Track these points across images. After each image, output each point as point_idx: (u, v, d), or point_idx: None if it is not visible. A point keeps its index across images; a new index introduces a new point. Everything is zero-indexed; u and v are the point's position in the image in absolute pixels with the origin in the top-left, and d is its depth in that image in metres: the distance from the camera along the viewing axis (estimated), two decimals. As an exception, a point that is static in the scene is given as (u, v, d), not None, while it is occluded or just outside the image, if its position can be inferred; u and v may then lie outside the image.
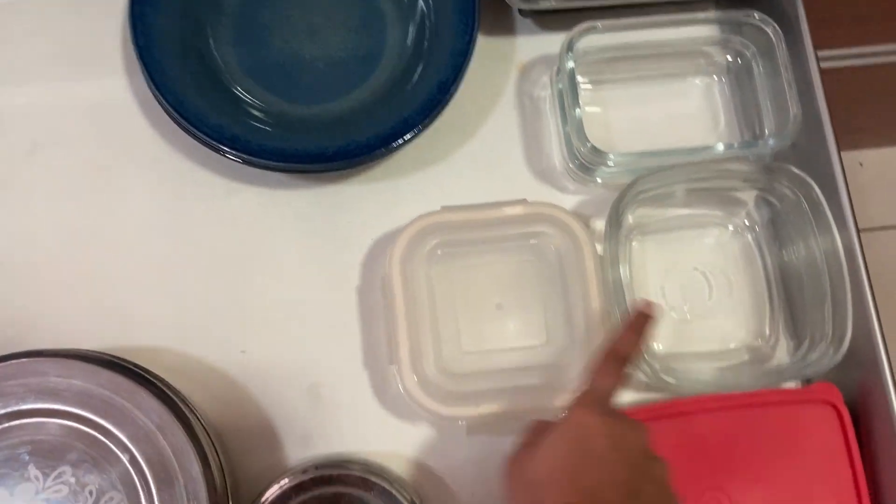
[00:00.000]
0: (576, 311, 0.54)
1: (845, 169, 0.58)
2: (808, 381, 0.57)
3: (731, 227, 0.61)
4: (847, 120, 0.62)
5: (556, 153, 0.62)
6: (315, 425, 0.56)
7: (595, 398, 0.44)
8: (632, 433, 0.43)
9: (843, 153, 0.59)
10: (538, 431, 0.45)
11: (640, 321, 0.47)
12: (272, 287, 0.59)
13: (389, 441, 0.56)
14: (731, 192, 0.61)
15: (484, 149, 0.62)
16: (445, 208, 0.54)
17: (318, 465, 0.52)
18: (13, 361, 0.49)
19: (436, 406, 0.51)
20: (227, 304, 0.58)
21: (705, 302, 0.60)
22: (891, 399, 0.52)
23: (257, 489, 0.54)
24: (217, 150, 0.56)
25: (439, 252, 0.54)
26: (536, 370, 0.53)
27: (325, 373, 0.57)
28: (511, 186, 0.61)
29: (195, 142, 0.57)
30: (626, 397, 0.57)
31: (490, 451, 0.56)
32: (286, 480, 0.51)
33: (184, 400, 0.51)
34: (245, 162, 0.57)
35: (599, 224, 0.59)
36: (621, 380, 0.45)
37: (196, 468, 0.48)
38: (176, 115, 0.55)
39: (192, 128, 0.55)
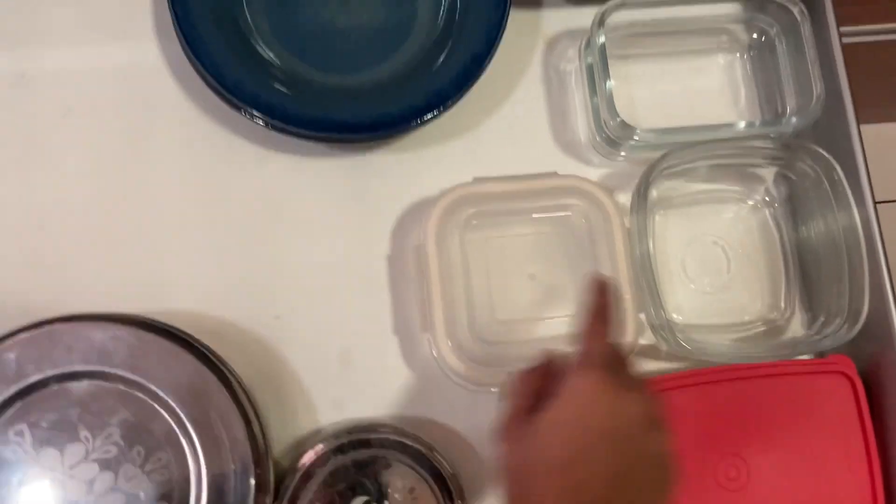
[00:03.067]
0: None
1: (864, 143, 0.60)
2: (821, 354, 0.59)
3: (750, 203, 0.63)
4: (865, 95, 0.63)
5: (581, 127, 0.63)
6: (347, 390, 0.58)
7: (593, 362, 0.41)
8: (633, 405, 0.40)
9: (861, 127, 0.60)
10: (531, 388, 0.42)
11: (601, 292, 0.45)
12: (304, 254, 0.60)
13: (420, 407, 0.58)
14: (752, 168, 0.63)
15: (510, 121, 0.63)
16: (478, 179, 0.56)
17: (352, 430, 0.53)
18: (58, 325, 0.50)
19: (470, 372, 0.53)
20: (259, 269, 0.59)
21: (723, 275, 0.61)
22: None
23: (292, 452, 0.56)
24: (251, 117, 0.56)
25: (473, 222, 0.56)
26: (569, 338, 0.54)
27: (356, 339, 0.59)
28: (537, 159, 0.62)
29: (228, 108, 0.58)
30: (648, 366, 0.59)
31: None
32: (321, 446, 0.53)
33: (224, 363, 0.52)
34: (279, 130, 0.57)
35: (622, 197, 0.60)
36: (610, 342, 0.43)
37: (240, 430, 0.50)
38: (213, 81, 0.56)
39: (227, 94, 0.56)
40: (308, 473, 0.52)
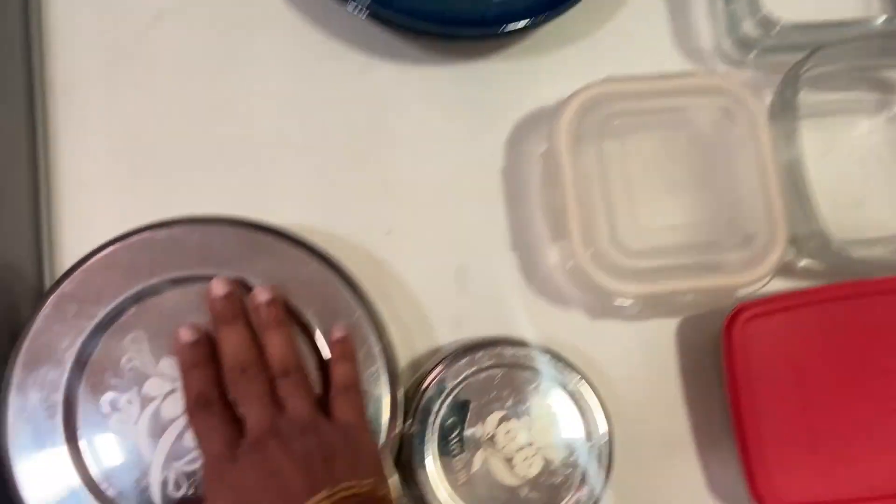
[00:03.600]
0: (751, 188, 0.51)
1: None
2: None
3: (888, 113, 0.58)
4: None
5: (705, 31, 0.59)
6: (465, 308, 0.54)
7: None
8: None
9: None
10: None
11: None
12: (413, 167, 0.56)
13: (541, 327, 0.54)
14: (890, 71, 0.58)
15: (627, 27, 0.59)
16: (610, 79, 0.51)
17: (471, 347, 0.49)
18: (171, 229, 0.46)
19: (609, 281, 0.49)
20: (368, 183, 0.55)
21: (861, 188, 0.57)
22: None
23: (409, 373, 0.52)
24: (367, 9, 0.52)
25: (608, 124, 0.51)
26: (715, 246, 0.50)
27: (473, 255, 0.55)
28: (658, 67, 0.58)
29: (330, 6, 0.54)
30: (797, 284, 0.55)
31: (646, 336, 0.55)
32: (440, 367, 0.49)
33: (350, 276, 0.48)
34: (385, 22, 0.53)
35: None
36: None
37: (374, 343, 0.46)
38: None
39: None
40: (433, 393, 0.48)
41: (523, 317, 0.55)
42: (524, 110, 0.57)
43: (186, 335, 0.42)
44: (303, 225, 0.54)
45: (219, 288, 0.43)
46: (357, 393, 0.44)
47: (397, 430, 0.46)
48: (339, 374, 0.44)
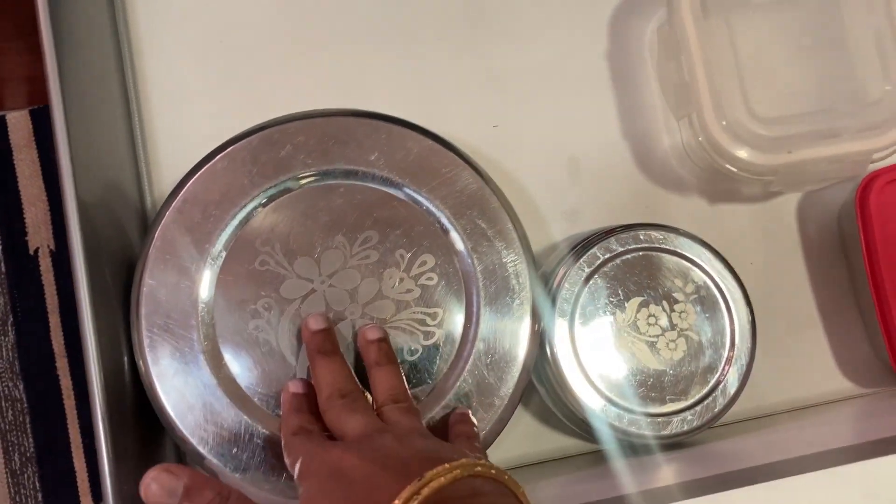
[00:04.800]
0: (883, 48, 0.48)
1: None
2: None
3: None
4: None
5: None
6: (580, 200, 0.52)
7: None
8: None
9: None
10: None
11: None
12: (516, 57, 0.53)
13: (659, 213, 0.52)
14: None
15: None
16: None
17: (589, 240, 0.47)
18: (287, 125, 0.43)
19: (746, 153, 0.46)
20: (470, 74, 0.52)
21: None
22: None
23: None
24: None
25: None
26: (854, 110, 0.48)
27: (583, 144, 0.53)
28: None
29: None
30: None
31: (765, 216, 0.53)
32: (563, 269, 0.46)
33: (480, 168, 0.45)
34: None
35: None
36: None
37: (510, 227, 0.44)
38: None
39: None
40: (566, 286, 0.46)
41: (641, 205, 0.53)
42: (618, -9, 0.54)
43: (296, 387, 0.40)
44: (407, 122, 0.51)
45: (315, 324, 0.41)
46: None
47: (540, 324, 0.44)
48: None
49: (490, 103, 0.52)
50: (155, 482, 0.34)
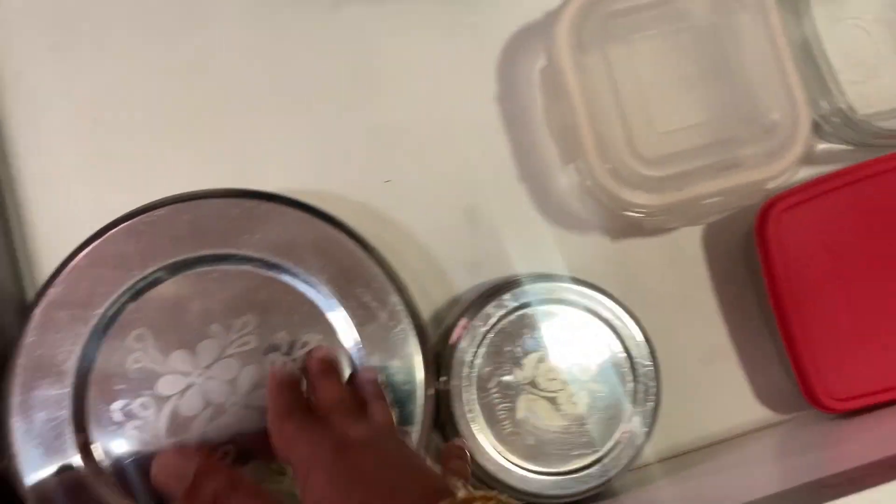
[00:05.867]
0: (767, 73, 0.47)
1: None
2: None
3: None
4: None
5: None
6: (480, 250, 0.51)
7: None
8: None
9: None
10: None
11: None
12: (404, 108, 0.51)
13: (561, 257, 0.51)
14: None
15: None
16: (605, -24, 0.47)
17: (492, 291, 0.46)
18: (156, 212, 0.42)
19: (634, 195, 0.45)
20: (357, 132, 0.51)
21: (870, 60, 0.54)
22: None
23: (432, 326, 0.49)
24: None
25: (607, 27, 0.47)
26: (733, 143, 0.47)
27: (480, 192, 0.51)
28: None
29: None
30: (824, 168, 0.52)
31: (671, 249, 0.52)
32: (465, 320, 0.45)
33: (358, 234, 0.44)
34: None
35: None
36: None
37: (397, 301, 0.42)
38: None
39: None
40: (464, 344, 0.45)
41: (542, 249, 0.51)
42: (511, 28, 0.53)
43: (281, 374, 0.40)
44: (292, 188, 0.49)
45: (319, 353, 0.41)
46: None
47: (433, 389, 0.43)
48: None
49: (380, 158, 0.51)
50: (164, 464, 0.35)
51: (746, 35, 0.48)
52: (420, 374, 0.42)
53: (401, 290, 0.43)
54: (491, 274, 0.50)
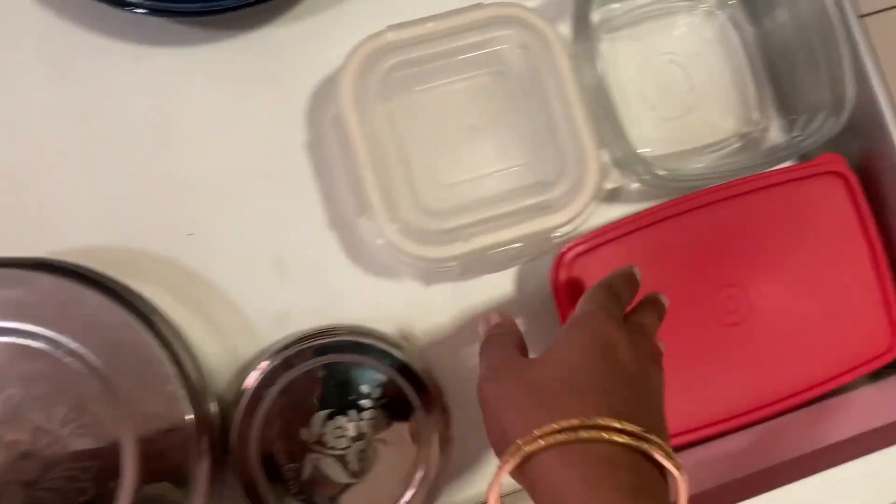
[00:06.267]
0: (556, 120, 0.48)
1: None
2: (807, 158, 0.52)
3: (702, 8, 0.55)
4: None
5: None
6: (289, 301, 0.51)
7: (615, 313, 0.38)
8: (647, 343, 0.38)
9: None
10: (506, 359, 0.38)
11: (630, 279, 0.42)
12: (208, 159, 0.51)
13: (373, 304, 0.51)
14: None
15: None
16: (391, 27, 0.47)
17: (299, 339, 0.46)
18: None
19: (424, 250, 0.45)
20: (160, 186, 0.51)
21: (687, 95, 0.54)
22: (898, 158, 0.49)
23: (238, 381, 0.48)
24: (123, 6, 0.47)
25: (394, 78, 0.47)
26: (524, 191, 0.47)
27: (288, 242, 0.51)
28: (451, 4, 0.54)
29: (84, 5, 0.48)
30: (617, 209, 0.52)
31: (487, 293, 0.52)
32: (266, 363, 0.45)
33: (136, 295, 0.44)
34: (155, 12, 0.48)
35: (561, 28, 0.52)
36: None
37: (168, 368, 0.42)
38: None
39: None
40: (256, 397, 0.44)
41: (354, 298, 0.51)
42: (319, 74, 0.52)
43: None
44: (92, 246, 0.50)
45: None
46: None
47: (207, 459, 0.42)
48: None
49: (184, 211, 0.51)
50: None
51: (539, 82, 0.48)
52: (200, 442, 0.42)
53: (178, 362, 0.42)
54: (301, 325, 0.50)
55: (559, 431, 0.31)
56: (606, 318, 0.37)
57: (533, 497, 0.33)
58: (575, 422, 0.31)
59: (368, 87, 0.46)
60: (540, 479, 0.32)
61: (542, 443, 0.32)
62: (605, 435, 0.31)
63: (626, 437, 0.32)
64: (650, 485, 0.32)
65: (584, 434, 0.31)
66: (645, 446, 0.32)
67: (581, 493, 0.30)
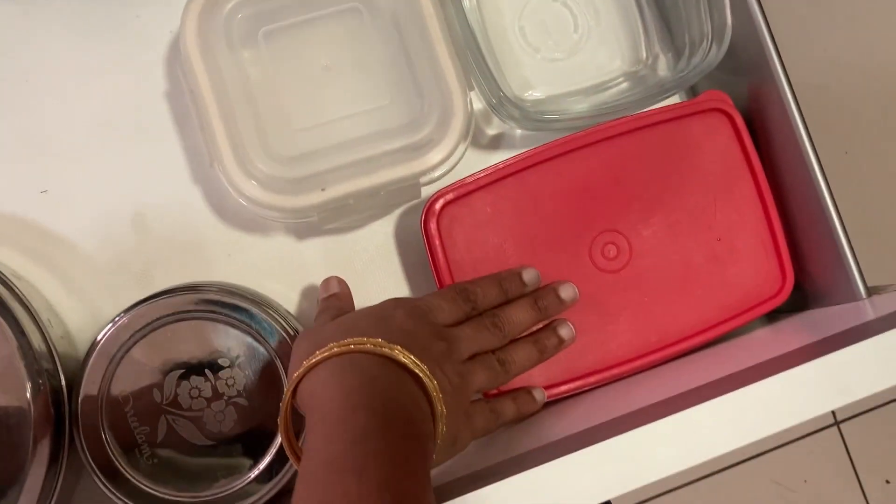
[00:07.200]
0: (420, 58, 0.45)
1: None
2: (695, 94, 0.50)
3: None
4: None
5: None
6: (152, 259, 0.48)
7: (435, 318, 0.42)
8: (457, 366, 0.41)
9: None
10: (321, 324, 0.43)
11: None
12: (61, 112, 0.48)
13: (242, 260, 0.49)
14: None
15: None
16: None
17: (154, 295, 0.44)
18: None
19: (278, 200, 0.43)
20: (8, 141, 0.48)
21: (571, 35, 0.52)
22: (784, 94, 0.47)
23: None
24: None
25: (241, 18, 0.44)
26: (387, 134, 0.45)
27: (150, 196, 0.49)
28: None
29: None
30: (502, 155, 0.50)
31: (364, 243, 0.50)
32: (116, 321, 0.43)
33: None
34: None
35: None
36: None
37: (9, 339, 0.39)
38: None
39: None
40: (104, 357, 0.42)
41: (222, 255, 0.49)
42: (174, 21, 0.49)
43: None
44: (-64, 205, 0.47)
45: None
46: None
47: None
48: None
49: (35, 167, 0.48)
50: None
51: (399, 21, 0.46)
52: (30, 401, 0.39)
53: (17, 331, 0.40)
54: (169, 282, 0.47)
55: (320, 356, 0.38)
56: (417, 312, 0.41)
57: (308, 409, 0.37)
58: (333, 346, 0.38)
59: (213, 27, 0.43)
60: (307, 389, 0.38)
61: (309, 362, 0.37)
62: (352, 346, 0.37)
63: (370, 346, 0.37)
64: (388, 375, 0.37)
65: (336, 349, 0.38)
66: (386, 351, 0.37)
67: (331, 380, 0.37)
